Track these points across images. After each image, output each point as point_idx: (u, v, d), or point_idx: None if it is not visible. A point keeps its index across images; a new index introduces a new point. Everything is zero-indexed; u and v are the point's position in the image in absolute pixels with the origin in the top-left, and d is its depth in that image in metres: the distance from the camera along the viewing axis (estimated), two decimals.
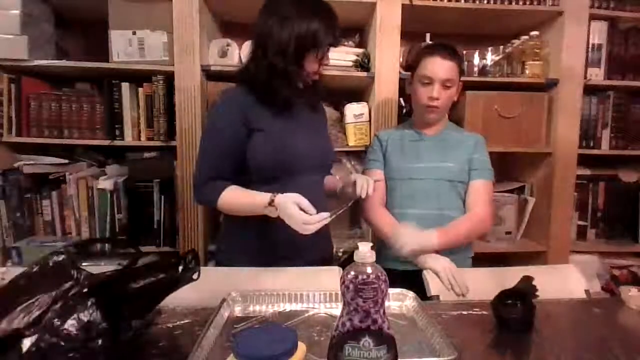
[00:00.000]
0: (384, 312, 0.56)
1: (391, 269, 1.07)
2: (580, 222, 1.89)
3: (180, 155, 1.60)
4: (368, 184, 1.07)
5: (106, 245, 1.63)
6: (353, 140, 1.71)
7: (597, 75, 1.76)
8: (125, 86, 1.62)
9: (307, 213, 0.92)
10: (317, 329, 0.76)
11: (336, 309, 0.82)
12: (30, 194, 1.64)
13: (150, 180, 1.66)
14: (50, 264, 0.67)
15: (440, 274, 1.08)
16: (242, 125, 1.04)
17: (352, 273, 0.55)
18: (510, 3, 1.67)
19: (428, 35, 1.75)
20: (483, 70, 1.86)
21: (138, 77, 1.61)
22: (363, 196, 1.06)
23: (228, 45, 1.67)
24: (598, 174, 1.89)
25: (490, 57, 1.84)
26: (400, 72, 1.65)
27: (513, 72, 1.77)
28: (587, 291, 1.05)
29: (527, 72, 1.73)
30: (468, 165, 1.30)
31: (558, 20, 1.71)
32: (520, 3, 1.67)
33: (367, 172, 1.35)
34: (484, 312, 0.85)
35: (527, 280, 0.88)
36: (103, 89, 1.62)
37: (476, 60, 1.86)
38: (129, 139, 1.63)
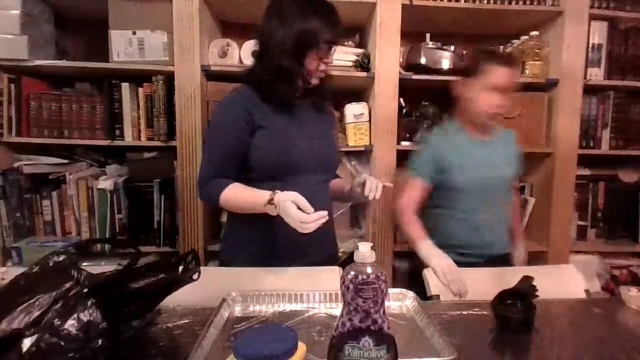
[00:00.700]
0: (384, 312, 0.56)
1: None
2: (580, 222, 1.89)
3: (180, 155, 1.60)
4: (377, 187, 1.06)
5: (106, 245, 1.63)
6: (353, 140, 1.71)
7: (597, 75, 1.76)
8: (125, 86, 1.62)
9: (305, 212, 0.92)
10: (317, 329, 0.76)
11: (336, 309, 0.82)
12: (30, 194, 1.63)
13: (150, 180, 1.66)
14: (51, 264, 0.67)
15: (438, 272, 1.08)
16: (246, 123, 1.05)
17: (352, 273, 0.55)
18: (510, 3, 1.67)
19: (428, 35, 1.75)
20: None
21: (138, 77, 1.61)
22: (370, 198, 1.05)
23: (228, 45, 1.67)
24: (598, 174, 1.89)
25: None
26: (400, 72, 1.65)
27: None
28: (587, 291, 1.05)
29: (527, 72, 1.73)
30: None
31: (558, 20, 1.71)
32: (520, 3, 1.67)
33: (410, 179, 1.34)
34: (484, 312, 0.85)
35: (527, 280, 0.88)
36: (103, 89, 1.62)
37: None
38: (129, 139, 1.64)
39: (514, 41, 1.76)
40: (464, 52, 1.86)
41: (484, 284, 1.02)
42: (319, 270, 1.03)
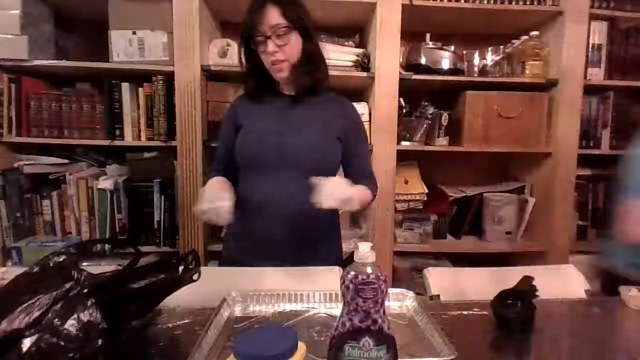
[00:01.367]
0: (384, 312, 0.56)
1: None
2: (580, 222, 1.89)
3: (180, 155, 1.60)
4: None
5: (106, 245, 1.63)
6: None
7: (597, 75, 1.76)
8: (125, 86, 1.62)
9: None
10: (317, 329, 0.76)
11: (336, 309, 0.82)
12: (30, 194, 1.64)
13: (150, 180, 1.67)
14: (51, 265, 0.67)
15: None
16: (232, 122, 1.16)
17: (352, 273, 0.55)
18: (510, 3, 1.67)
19: (428, 35, 1.75)
20: (483, 70, 1.86)
21: (138, 77, 1.61)
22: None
23: (228, 45, 1.67)
24: (598, 174, 1.89)
25: (490, 57, 1.85)
26: (400, 72, 1.65)
27: (513, 72, 1.77)
28: (587, 291, 1.05)
29: (527, 72, 1.72)
30: None
31: (558, 20, 1.71)
32: (520, 3, 1.67)
33: (628, 202, 1.18)
34: (484, 312, 0.84)
35: (527, 280, 0.88)
36: (103, 89, 1.63)
37: (476, 60, 1.86)
38: (129, 139, 1.64)
39: (514, 41, 1.76)
40: (464, 52, 1.87)
41: (484, 284, 1.02)
42: (319, 270, 1.03)
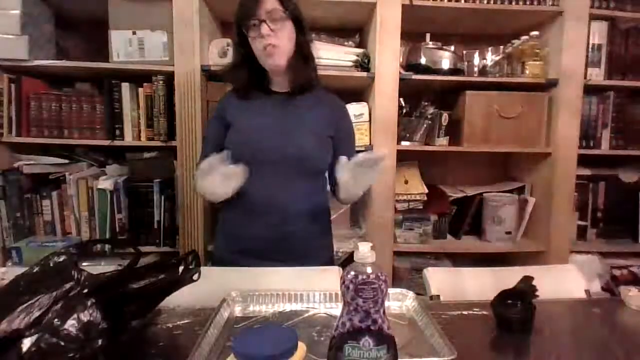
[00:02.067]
0: (384, 312, 0.56)
1: None
2: (580, 222, 1.88)
3: (180, 155, 1.60)
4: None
5: (106, 245, 1.63)
6: None
7: (597, 75, 1.76)
8: (125, 86, 1.62)
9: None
10: (317, 329, 0.76)
11: (336, 309, 0.82)
12: (30, 194, 1.64)
13: (150, 180, 1.67)
14: (51, 265, 0.67)
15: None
16: (221, 119, 1.15)
17: (352, 273, 0.55)
18: (510, 3, 1.67)
19: (428, 35, 1.75)
20: (483, 70, 1.86)
21: (138, 77, 1.61)
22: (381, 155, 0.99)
23: (228, 45, 1.67)
24: (598, 174, 1.89)
25: (490, 57, 1.85)
26: (400, 72, 1.65)
27: (513, 72, 1.77)
28: (587, 291, 1.05)
29: (527, 72, 1.72)
30: None
31: (558, 20, 1.71)
32: (520, 3, 1.67)
33: None
34: (484, 312, 0.85)
35: (527, 280, 0.88)
36: (103, 89, 1.62)
37: (476, 60, 1.86)
38: (129, 139, 1.64)
39: (514, 41, 1.76)
40: (464, 52, 1.87)
41: (484, 284, 1.02)
42: (319, 270, 1.03)
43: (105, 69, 1.58)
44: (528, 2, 1.68)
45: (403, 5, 1.61)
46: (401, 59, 1.72)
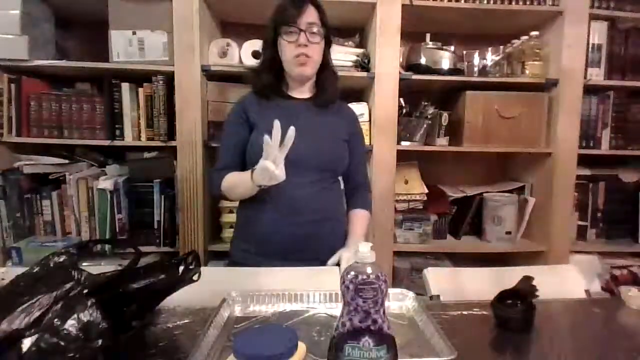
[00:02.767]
0: (384, 312, 0.56)
1: None
2: (580, 222, 1.88)
3: (180, 155, 1.60)
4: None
5: (106, 245, 1.63)
6: None
7: (597, 75, 1.76)
8: (125, 86, 1.62)
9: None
10: (317, 329, 0.76)
11: (336, 309, 0.82)
12: (30, 194, 1.63)
13: (150, 180, 1.66)
14: (51, 265, 0.67)
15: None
16: (244, 121, 1.16)
17: (352, 273, 0.55)
18: (510, 3, 1.67)
19: (428, 35, 1.75)
20: (483, 70, 1.86)
21: (138, 77, 1.61)
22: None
23: (228, 45, 1.67)
24: (598, 174, 1.89)
25: (490, 57, 1.85)
26: (400, 72, 1.65)
27: (513, 72, 1.77)
28: (587, 291, 1.05)
29: (527, 72, 1.73)
30: None
31: (558, 20, 1.71)
32: (520, 3, 1.68)
33: None
34: (484, 312, 0.85)
35: (527, 280, 0.88)
36: (103, 89, 1.63)
37: (476, 60, 1.86)
38: (129, 139, 1.64)
39: (514, 41, 1.76)
40: (464, 52, 1.87)
41: (484, 284, 1.02)
42: (319, 270, 1.03)
43: (105, 69, 1.58)
44: (528, 2, 1.68)
45: (403, 5, 1.61)
46: (401, 59, 1.72)
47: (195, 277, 0.76)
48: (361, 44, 1.82)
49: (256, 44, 1.67)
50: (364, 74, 1.65)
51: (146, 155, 1.71)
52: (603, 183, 1.89)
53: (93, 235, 1.65)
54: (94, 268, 0.70)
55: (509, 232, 1.83)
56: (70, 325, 0.57)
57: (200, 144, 1.60)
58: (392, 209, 1.70)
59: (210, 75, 1.67)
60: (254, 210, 1.15)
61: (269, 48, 1.15)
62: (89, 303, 0.59)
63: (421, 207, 1.83)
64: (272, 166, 0.96)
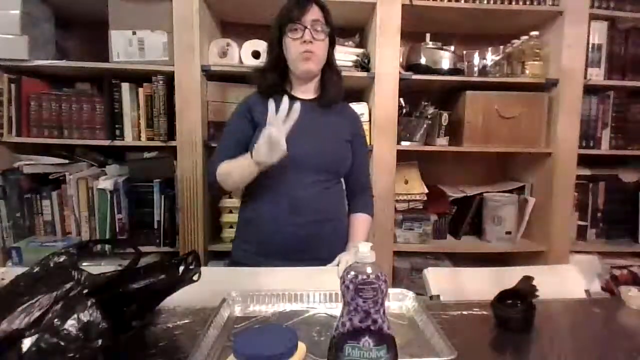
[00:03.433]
0: (384, 312, 0.56)
1: None
2: (580, 222, 1.88)
3: (180, 155, 1.60)
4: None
5: (106, 245, 1.63)
6: None
7: (597, 75, 1.76)
8: (125, 86, 1.62)
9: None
10: (317, 329, 0.76)
11: (336, 309, 0.82)
12: (30, 194, 1.63)
13: (150, 180, 1.66)
14: (51, 265, 0.67)
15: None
16: (248, 120, 1.16)
17: (352, 273, 0.55)
18: (510, 3, 1.67)
19: (428, 35, 1.75)
20: (483, 70, 1.86)
21: (138, 77, 1.61)
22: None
23: (228, 45, 1.67)
24: (598, 174, 1.89)
25: (490, 57, 1.85)
26: (400, 72, 1.65)
27: (513, 72, 1.77)
28: (587, 291, 1.05)
29: (527, 72, 1.73)
30: None
31: (558, 20, 1.71)
32: (520, 3, 1.68)
33: None
34: (484, 312, 0.84)
35: (527, 280, 0.88)
36: (103, 89, 1.62)
37: (476, 60, 1.86)
38: (129, 139, 1.64)
39: (514, 41, 1.76)
40: (464, 52, 1.87)
41: (484, 284, 1.02)
42: (319, 270, 1.03)
43: (105, 69, 1.58)
44: (528, 2, 1.68)
45: (403, 5, 1.61)
46: (401, 59, 1.72)
47: (195, 277, 0.76)
48: (361, 44, 1.82)
49: (256, 44, 1.67)
50: (364, 74, 1.65)
51: (146, 155, 1.71)
52: (603, 183, 1.89)
53: (93, 235, 1.65)
54: (94, 268, 0.70)
55: (509, 232, 1.83)
56: (70, 325, 0.57)
57: (200, 144, 1.60)
58: (392, 209, 1.71)
59: (210, 75, 1.67)
60: (255, 210, 1.15)
61: (274, 48, 1.15)
62: (89, 303, 0.59)
63: (421, 207, 1.83)
64: (276, 131, 0.95)
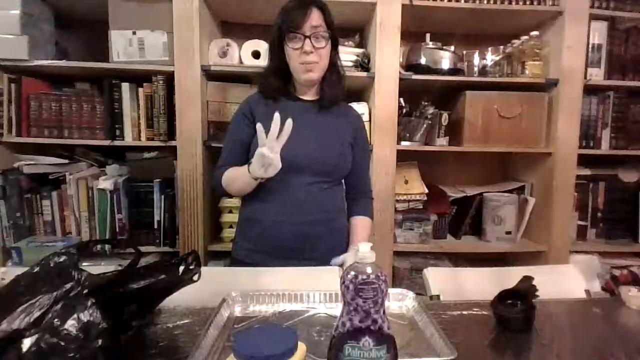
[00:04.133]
0: (384, 312, 0.56)
1: None
2: (580, 222, 1.89)
3: (180, 155, 1.60)
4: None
5: (106, 245, 1.63)
6: None
7: (597, 75, 1.76)
8: (125, 86, 1.62)
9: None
10: (317, 329, 0.76)
11: (336, 309, 0.82)
12: (30, 194, 1.63)
13: (150, 180, 1.66)
14: (51, 265, 0.67)
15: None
16: (249, 120, 1.16)
17: (352, 273, 0.55)
18: (510, 3, 1.67)
19: (428, 35, 1.75)
20: (483, 70, 1.86)
21: (138, 77, 1.61)
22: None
23: (228, 45, 1.67)
24: (598, 174, 1.89)
25: (490, 57, 1.85)
26: (400, 72, 1.65)
27: (513, 72, 1.77)
28: (587, 291, 1.05)
29: (527, 72, 1.73)
30: None
31: (558, 20, 1.71)
32: (520, 3, 1.67)
33: None
34: (484, 312, 0.85)
35: (527, 280, 0.88)
36: (103, 89, 1.62)
37: (476, 60, 1.86)
38: (129, 139, 1.64)
39: (514, 41, 1.76)
40: (464, 52, 1.87)
41: (484, 284, 1.02)
42: (319, 270, 1.03)
43: (105, 69, 1.57)
44: (528, 2, 1.68)
45: (403, 5, 1.61)
46: (401, 59, 1.72)
47: (195, 278, 0.76)
48: (361, 44, 1.82)
49: (256, 44, 1.67)
50: (364, 74, 1.65)
51: (146, 155, 1.71)
52: (603, 183, 1.89)
53: (93, 235, 1.65)
54: (94, 268, 0.70)
55: (509, 232, 1.83)
56: (70, 325, 0.57)
57: (200, 144, 1.60)
58: (392, 209, 1.70)
59: (210, 75, 1.67)
60: (255, 210, 1.15)
61: (275, 52, 1.14)
62: (89, 303, 0.59)
63: (421, 207, 1.83)
64: (267, 151, 0.97)
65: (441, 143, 1.75)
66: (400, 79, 1.64)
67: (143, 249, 1.60)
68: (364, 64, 1.69)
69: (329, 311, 0.83)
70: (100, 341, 0.58)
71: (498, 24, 1.82)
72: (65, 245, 1.52)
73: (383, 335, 0.55)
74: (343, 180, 1.26)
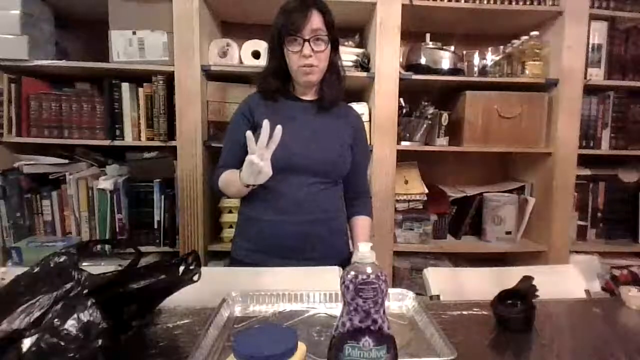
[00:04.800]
0: (384, 312, 0.56)
1: None
2: (580, 222, 1.88)
3: (180, 155, 1.60)
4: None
5: (106, 245, 1.63)
6: None
7: (597, 75, 1.76)
8: (125, 86, 1.62)
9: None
10: (317, 329, 0.76)
11: (336, 309, 0.82)
12: (30, 194, 1.63)
13: (150, 180, 1.66)
14: (51, 265, 0.67)
15: None
16: (248, 120, 1.15)
17: (352, 273, 0.55)
18: (510, 3, 1.67)
19: (428, 35, 1.75)
20: (483, 70, 1.86)
21: (138, 77, 1.61)
22: None
23: (228, 45, 1.67)
24: (598, 174, 1.89)
25: (490, 57, 1.85)
26: (400, 72, 1.65)
27: (513, 72, 1.77)
28: (587, 291, 1.05)
29: (527, 72, 1.73)
30: None
31: (558, 20, 1.71)
32: (520, 3, 1.67)
33: None
34: (484, 312, 0.85)
35: (527, 280, 0.88)
36: (103, 89, 1.62)
37: (476, 60, 1.86)
38: (129, 139, 1.64)
39: (514, 41, 1.76)
40: (464, 52, 1.87)
41: (484, 284, 1.02)
42: (319, 270, 1.03)
43: (105, 69, 1.57)
44: (528, 2, 1.68)
45: (403, 5, 1.61)
46: (401, 59, 1.72)
47: (195, 278, 0.76)
48: (361, 44, 1.82)
49: (256, 44, 1.67)
50: (364, 74, 1.65)
51: (146, 155, 1.71)
52: (603, 183, 1.89)
53: (93, 235, 1.65)
54: (94, 268, 0.70)
55: (509, 232, 1.83)
56: (70, 325, 0.57)
57: (200, 144, 1.60)
58: (392, 209, 1.70)
59: (210, 75, 1.67)
60: (254, 210, 1.15)
61: (275, 53, 1.13)
62: (89, 303, 0.59)
63: (421, 207, 1.83)
64: (257, 159, 0.97)
65: (441, 143, 1.75)
66: (400, 79, 1.64)
67: (143, 249, 1.60)
68: (364, 64, 1.69)
69: (329, 311, 0.83)
70: (100, 341, 0.58)
71: (498, 24, 1.82)
72: (65, 245, 1.52)
73: (383, 335, 0.55)
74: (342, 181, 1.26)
